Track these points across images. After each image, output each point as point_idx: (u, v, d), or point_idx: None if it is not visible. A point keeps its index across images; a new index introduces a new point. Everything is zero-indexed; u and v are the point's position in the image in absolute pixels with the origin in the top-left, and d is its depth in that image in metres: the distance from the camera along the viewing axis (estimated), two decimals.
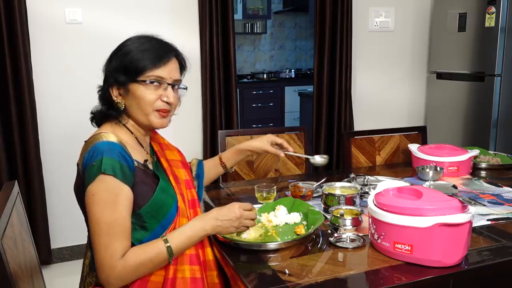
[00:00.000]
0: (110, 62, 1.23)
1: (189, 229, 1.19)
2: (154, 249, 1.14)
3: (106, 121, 1.25)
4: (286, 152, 1.62)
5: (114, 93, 1.22)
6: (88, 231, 1.20)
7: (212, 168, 1.57)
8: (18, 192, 1.25)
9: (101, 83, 1.27)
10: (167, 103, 1.22)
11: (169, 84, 1.23)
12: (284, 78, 5.79)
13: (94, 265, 1.23)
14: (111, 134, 1.18)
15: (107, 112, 1.24)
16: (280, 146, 1.60)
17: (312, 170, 2.28)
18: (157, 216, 1.19)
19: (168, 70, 1.22)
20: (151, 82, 1.20)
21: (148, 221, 1.17)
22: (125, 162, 1.13)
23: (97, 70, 2.57)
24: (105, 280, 1.10)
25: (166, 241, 1.14)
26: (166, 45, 1.25)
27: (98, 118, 1.27)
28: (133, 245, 1.15)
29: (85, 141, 1.20)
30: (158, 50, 1.22)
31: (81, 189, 1.16)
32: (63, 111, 2.64)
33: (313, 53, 3.19)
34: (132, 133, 1.26)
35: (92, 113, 1.28)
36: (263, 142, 1.56)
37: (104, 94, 1.23)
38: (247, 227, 1.25)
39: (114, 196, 1.10)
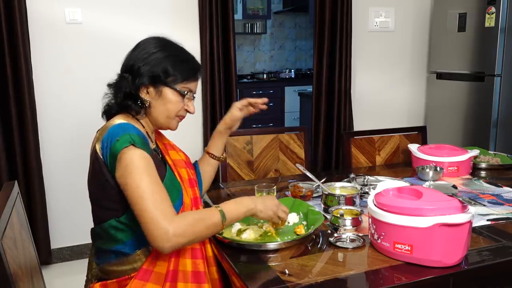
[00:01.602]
0: (143, 62, 1.23)
1: (236, 200, 1.23)
2: (207, 210, 1.18)
3: (117, 114, 1.26)
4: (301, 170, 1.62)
5: (144, 90, 1.25)
6: (95, 222, 1.22)
7: (205, 165, 1.55)
8: (18, 192, 1.25)
9: (108, 79, 1.29)
10: (187, 111, 1.32)
11: (193, 96, 1.32)
12: (284, 78, 5.79)
13: (98, 259, 1.23)
14: (124, 120, 1.21)
15: (127, 104, 1.24)
16: (250, 105, 1.53)
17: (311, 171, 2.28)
18: None
19: (196, 84, 1.33)
20: (183, 93, 1.27)
21: None
22: (144, 138, 1.17)
23: (97, 70, 2.57)
24: (163, 235, 1.05)
25: (216, 206, 1.18)
26: (195, 58, 1.33)
27: (114, 111, 1.27)
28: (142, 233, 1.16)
29: (99, 129, 1.22)
30: (194, 64, 1.30)
31: (97, 176, 1.17)
32: (63, 111, 2.64)
33: (313, 53, 3.19)
34: (143, 127, 1.28)
35: (108, 105, 1.28)
36: (231, 112, 1.52)
37: (131, 89, 1.24)
38: (279, 218, 1.28)
39: (147, 163, 1.12)
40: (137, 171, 1.10)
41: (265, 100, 1.51)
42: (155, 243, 1.07)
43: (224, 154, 1.58)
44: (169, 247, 1.07)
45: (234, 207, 1.19)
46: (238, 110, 1.50)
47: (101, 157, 1.15)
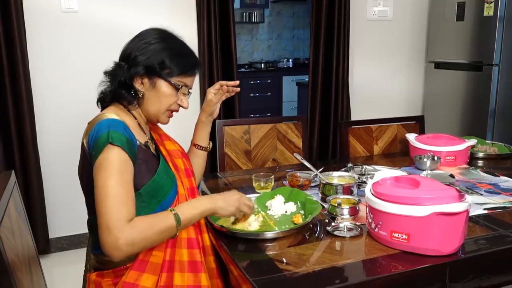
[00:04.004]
0: (140, 52, 1.22)
1: (194, 201, 1.23)
2: (161, 215, 1.14)
3: (111, 104, 1.26)
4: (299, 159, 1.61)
5: (138, 80, 1.24)
6: (90, 213, 1.22)
7: (194, 157, 1.54)
8: (15, 182, 1.24)
9: (105, 68, 1.28)
10: (181, 106, 1.31)
11: (189, 92, 1.31)
12: (281, 67, 5.76)
13: (94, 249, 1.24)
14: (114, 114, 1.20)
15: (120, 93, 1.23)
16: (223, 90, 1.51)
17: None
18: (157, 196, 1.21)
19: (192, 80, 1.31)
20: (178, 87, 1.26)
21: (147, 201, 1.19)
22: (129, 137, 1.16)
23: (94, 58, 2.55)
24: (113, 243, 1.04)
25: (171, 210, 1.16)
26: (194, 54, 1.32)
27: (108, 98, 1.27)
28: None
29: (89, 122, 1.21)
30: (192, 59, 1.30)
31: (86, 169, 1.17)
32: (60, 100, 2.63)
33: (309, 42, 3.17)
34: (135, 118, 1.27)
35: (102, 92, 1.27)
36: (207, 98, 1.50)
37: (126, 78, 1.23)
38: (245, 213, 1.28)
39: (121, 165, 1.11)
40: (109, 170, 1.09)
41: (236, 82, 1.51)
42: (104, 249, 1.06)
43: (210, 144, 1.56)
44: (118, 255, 1.06)
45: (189, 208, 1.17)
46: (212, 95, 1.49)
47: (88, 151, 1.15)
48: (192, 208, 1.18)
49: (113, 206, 1.06)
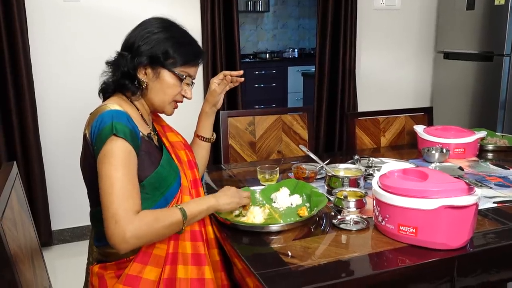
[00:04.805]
0: (143, 42, 1.21)
1: (199, 198, 1.26)
2: (168, 210, 1.16)
3: (113, 95, 1.25)
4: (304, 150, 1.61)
5: (142, 71, 1.22)
6: (92, 205, 1.21)
7: (197, 148, 1.52)
8: (17, 173, 1.23)
9: (107, 58, 1.26)
10: (184, 96, 1.30)
11: (193, 82, 1.31)
12: (287, 57, 5.71)
13: (97, 241, 1.23)
14: (116, 105, 1.18)
15: (124, 83, 1.22)
16: (227, 80, 1.49)
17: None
18: (161, 188, 1.20)
19: (196, 70, 1.30)
20: (181, 77, 1.24)
21: (151, 193, 1.18)
22: (132, 129, 1.15)
23: (96, 48, 2.53)
24: (120, 236, 1.04)
25: (177, 205, 1.17)
26: (197, 43, 1.31)
27: (111, 89, 1.25)
28: None
29: (91, 113, 1.19)
30: (196, 49, 1.29)
31: (88, 160, 1.16)
32: (62, 90, 2.62)
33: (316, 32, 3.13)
34: (138, 109, 1.26)
35: (104, 83, 1.26)
36: (210, 89, 1.49)
37: (129, 68, 1.21)
38: (244, 205, 1.29)
39: (125, 156, 1.10)
40: (113, 161, 1.08)
41: (240, 72, 1.48)
42: (111, 241, 1.06)
43: (213, 135, 1.55)
44: (124, 247, 1.06)
45: (195, 205, 1.19)
46: (216, 85, 1.47)
47: (90, 142, 1.14)
48: (197, 204, 1.19)
49: (119, 199, 1.06)
